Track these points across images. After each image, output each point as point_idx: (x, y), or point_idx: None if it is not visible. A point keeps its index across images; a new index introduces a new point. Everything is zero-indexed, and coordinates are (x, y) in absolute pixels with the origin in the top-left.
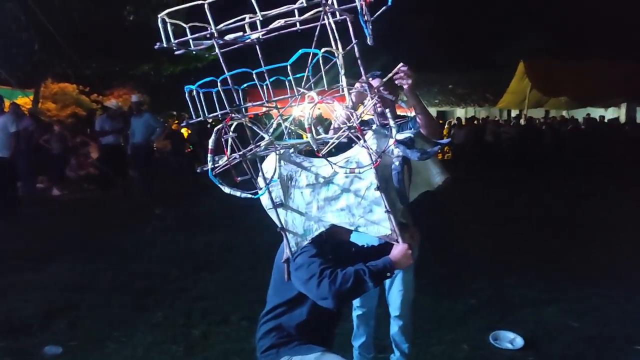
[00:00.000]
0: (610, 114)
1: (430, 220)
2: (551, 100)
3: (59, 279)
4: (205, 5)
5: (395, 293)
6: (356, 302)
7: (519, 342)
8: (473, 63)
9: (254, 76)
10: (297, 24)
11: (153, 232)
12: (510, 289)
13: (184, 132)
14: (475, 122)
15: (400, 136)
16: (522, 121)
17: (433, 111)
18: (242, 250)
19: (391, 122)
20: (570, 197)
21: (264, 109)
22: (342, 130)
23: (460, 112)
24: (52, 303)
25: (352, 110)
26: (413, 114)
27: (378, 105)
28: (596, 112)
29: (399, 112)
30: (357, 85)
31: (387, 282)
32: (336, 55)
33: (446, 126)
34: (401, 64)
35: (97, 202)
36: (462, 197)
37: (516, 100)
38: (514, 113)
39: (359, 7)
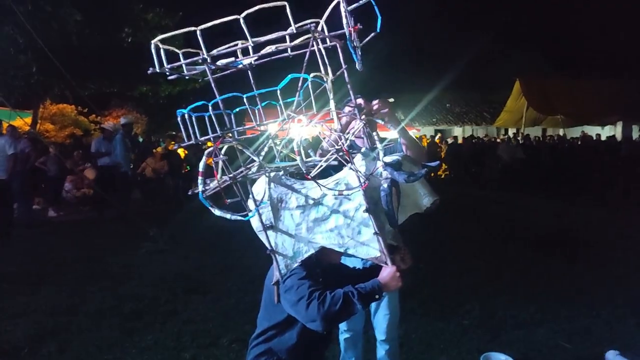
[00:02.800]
0: (606, 132)
1: (423, 241)
2: (548, 119)
3: (50, 302)
4: (197, 32)
5: (381, 317)
6: (343, 326)
7: None
8: (470, 82)
9: (244, 100)
10: (288, 49)
11: (145, 254)
12: (502, 310)
13: (181, 152)
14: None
15: (388, 159)
16: (519, 139)
17: (430, 130)
18: (233, 273)
19: (379, 145)
20: (565, 218)
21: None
22: (330, 153)
23: (457, 131)
24: (42, 326)
25: (341, 134)
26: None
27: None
28: (593, 131)
29: (384, 134)
30: (347, 109)
31: (373, 305)
32: (325, 80)
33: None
34: (375, 101)
35: (91, 224)
36: (456, 217)
37: (513, 118)
38: (511, 132)
39: (347, 34)
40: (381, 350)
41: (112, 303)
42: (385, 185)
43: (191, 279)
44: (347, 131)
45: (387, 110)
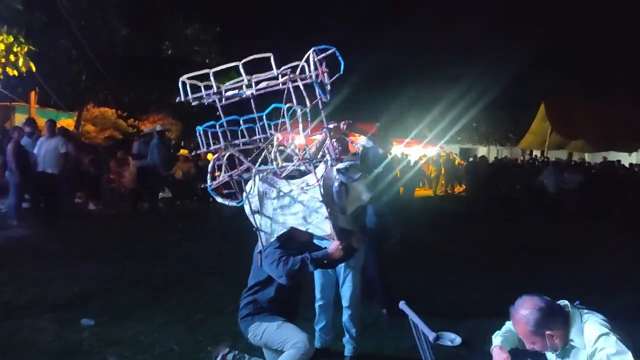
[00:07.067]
0: (633, 158)
1: (406, 242)
2: (572, 143)
3: (93, 273)
4: (210, 74)
5: (346, 289)
6: (317, 295)
7: (458, 340)
8: (498, 102)
9: (241, 122)
10: (280, 84)
11: (173, 242)
12: (466, 301)
13: (209, 157)
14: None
15: (340, 166)
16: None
17: (455, 148)
18: (244, 260)
19: (328, 157)
20: (552, 228)
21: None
22: (294, 162)
23: (482, 150)
24: (86, 290)
25: (306, 148)
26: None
27: (335, 144)
28: (619, 157)
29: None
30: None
31: (341, 279)
32: (296, 110)
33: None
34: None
35: (127, 217)
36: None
37: (538, 140)
38: (535, 154)
39: (314, 78)
40: (345, 315)
41: (144, 277)
42: (337, 184)
43: (210, 263)
44: (315, 146)
45: (346, 124)
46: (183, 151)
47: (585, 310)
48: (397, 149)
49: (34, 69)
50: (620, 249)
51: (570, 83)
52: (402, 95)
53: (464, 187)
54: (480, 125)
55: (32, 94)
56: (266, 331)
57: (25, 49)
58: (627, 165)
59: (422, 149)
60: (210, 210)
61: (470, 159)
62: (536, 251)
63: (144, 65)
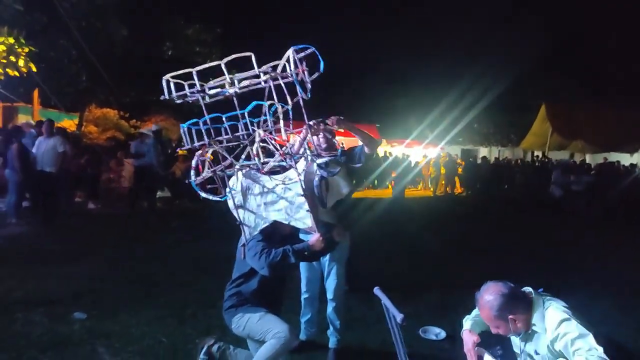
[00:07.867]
0: (635, 159)
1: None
2: (573, 144)
3: (88, 271)
4: (194, 72)
5: (331, 282)
6: (303, 288)
7: (442, 335)
8: (498, 103)
9: (224, 119)
10: (262, 83)
11: (171, 241)
12: (461, 299)
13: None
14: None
15: (320, 161)
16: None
17: (456, 149)
18: None
19: (307, 152)
20: (552, 228)
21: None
22: (275, 157)
23: (484, 151)
24: (80, 287)
25: (287, 144)
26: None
27: (320, 139)
28: (620, 157)
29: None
30: (304, 126)
31: (325, 273)
32: (277, 108)
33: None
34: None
35: (125, 216)
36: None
37: (539, 141)
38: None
39: (294, 76)
40: (330, 307)
41: (138, 275)
42: (317, 179)
43: (203, 263)
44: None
45: (335, 119)
46: (182, 151)
47: (548, 297)
48: (398, 150)
49: (34, 69)
50: (621, 249)
51: (571, 84)
52: (403, 96)
53: (463, 188)
54: (482, 126)
55: (35, 95)
56: (249, 322)
57: (26, 50)
58: (628, 165)
59: (423, 150)
60: (207, 209)
61: (471, 160)
62: (534, 252)
63: (145, 66)
